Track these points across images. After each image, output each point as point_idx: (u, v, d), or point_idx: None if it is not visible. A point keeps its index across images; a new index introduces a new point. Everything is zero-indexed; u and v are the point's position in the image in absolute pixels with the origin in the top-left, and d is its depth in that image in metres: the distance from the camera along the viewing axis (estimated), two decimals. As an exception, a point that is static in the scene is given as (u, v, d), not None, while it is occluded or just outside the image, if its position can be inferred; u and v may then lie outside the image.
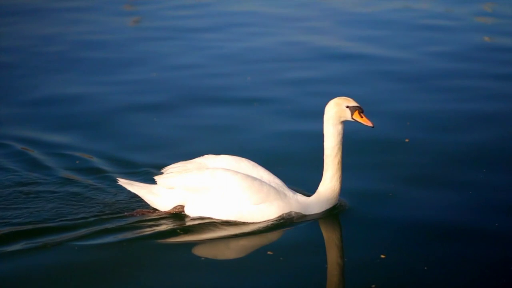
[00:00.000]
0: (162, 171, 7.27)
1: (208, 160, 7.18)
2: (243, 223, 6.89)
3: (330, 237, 6.85)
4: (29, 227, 6.79)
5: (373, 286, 5.91)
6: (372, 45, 13.90)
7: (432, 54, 13.22)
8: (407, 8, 17.55)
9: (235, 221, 6.91)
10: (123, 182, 7.20)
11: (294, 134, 9.34)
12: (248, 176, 6.95)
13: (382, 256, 6.31)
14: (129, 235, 6.72)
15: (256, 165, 7.15)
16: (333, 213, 7.04)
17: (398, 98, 10.69)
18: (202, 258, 6.39)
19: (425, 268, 6.13)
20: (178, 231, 6.82)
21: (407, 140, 8.95)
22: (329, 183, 6.95)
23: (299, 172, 7.98)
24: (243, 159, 7.18)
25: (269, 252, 6.44)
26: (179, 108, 10.46)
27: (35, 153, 8.64)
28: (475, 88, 11.14)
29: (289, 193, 7.04)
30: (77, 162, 8.41)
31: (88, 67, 12.56)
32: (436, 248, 6.47)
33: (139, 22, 16.61)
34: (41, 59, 13.09)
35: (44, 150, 8.75)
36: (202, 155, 7.24)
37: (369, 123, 6.86)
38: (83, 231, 6.75)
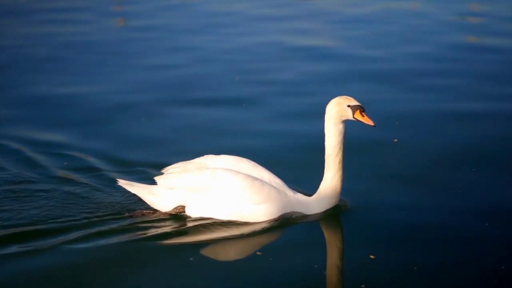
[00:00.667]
0: (162, 171, 7.24)
1: (208, 160, 7.16)
2: (244, 223, 6.88)
3: (330, 237, 6.87)
4: (26, 228, 6.74)
5: (363, 286, 5.91)
6: (356, 45, 13.90)
7: (415, 54, 13.25)
8: (390, 9, 17.58)
9: (236, 221, 6.89)
10: (122, 183, 7.16)
11: (284, 134, 9.34)
12: (248, 176, 6.94)
13: (372, 256, 6.31)
14: (130, 236, 6.69)
15: (257, 165, 7.14)
16: (334, 213, 7.04)
17: (384, 98, 10.68)
18: (204, 259, 6.39)
19: (415, 268, 6.14)
20: (179, 232, 6.79)
21: (395, 140, 8.97)
22: (330, 183, 6.96)
23: (289, 172, 7.93)
24: (243, 159, 7.16)
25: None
26: (167, 108, 10.42)
27: (28, 153, 8.60)
28: (460, 87, 11.20)
29: (290, 193, 7.04)
30: (65, 163, 8.38)
31: (73, 67, 12.50)
32: (426, 249, 6.47)
33: (127, 22, 16.57)
34: (30, 59, 12.99)
35: (36, 150, 8.73)
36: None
37: (370, 122, 6.87)
38: (84, 232, 6.72)
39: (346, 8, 17.75)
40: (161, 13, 17.41)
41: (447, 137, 9.14)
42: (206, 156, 7.23)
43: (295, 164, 8.30)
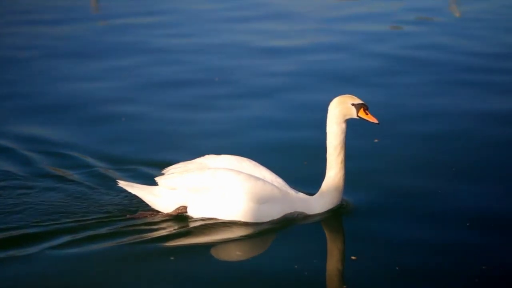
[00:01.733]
0: (163, 172, 7.19)
1: (209, 160, 7.11)
2: (247, 224, 6.84)
3: (331, 237, 6.86)
4: (24, 232, 6.66)
5: (344, 287, 5.90)
6: (324, 47, 13.85)
7: (382, 53, 13.25)
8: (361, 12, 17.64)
9: (239, 221, 6.85)
10: (123, 184, 7.09)
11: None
12: (251, 175, 6.90)
13: (353, 257, 6.30)
14: (132, 238, 6.63)
15: (258, 164, 7.11)
16: (336, 213, 7.03)
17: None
18: (207, 260, 6.35)
19: (397, 268, 6.13)
20: (182, 233, 6.74)
21: (376, 141, 9.00)
22: (332, 182, 6.94)
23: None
24: (245, 158, 7.13)
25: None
26: (146, 106, 10.38)
27: (23, 152, 8.57)
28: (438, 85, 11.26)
29: (292, 192, 7.02)
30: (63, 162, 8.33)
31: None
32: (409, 249, 6.47)
33: (105, 21, 16.52)
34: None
35: (29, 148, 8.72)
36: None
37: (374, 120, 6.86)
38: (85, 235, 6.65)
39: (313, 8, 17.76)
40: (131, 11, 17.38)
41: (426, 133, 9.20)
42: (206, 156, 7.19)
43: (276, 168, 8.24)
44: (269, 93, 10.98)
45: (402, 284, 5.96)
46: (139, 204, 7.16)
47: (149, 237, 6.65)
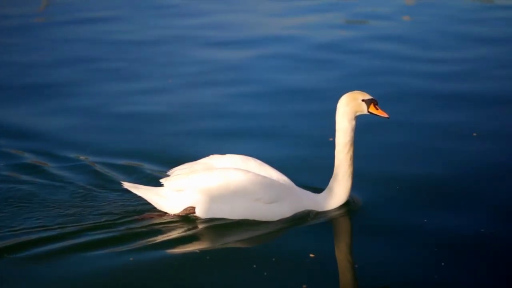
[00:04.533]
0: (168, 173, 7.12)
1: (215, 160, 7.06)
2: (257, 223, 6.80)
3: (341, 234, 6.88)
4: (28, 237, 6.53)
5: (304, 286, 5.88)
6: (284, 44, 13.85)
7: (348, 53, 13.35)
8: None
9: (248, 221, 6.80)
10: (128, 185, 7.00)
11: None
12: (259, 175, 6.86)
13: (311, 255, 6.29)
14: (143, 240, 6.55)
15: (263, 163, 7.07)
16: (345, 211, 7.02)
17: (322, 96, 10.70)
18: (219, 260, 6.29)
19: (356, 266, 6.15)
20: (191, 233, 6.67)
21: (330, 139, 8.97)
22: (341, 179, 6.92)
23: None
24: (250, 158, 7.08)
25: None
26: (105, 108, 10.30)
27: (21, 154, 8.45)
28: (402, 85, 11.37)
29: (299, 190, 7.00)
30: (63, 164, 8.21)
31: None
32: (368, 246, 6.50)
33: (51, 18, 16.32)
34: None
35: (28, 149, 8.62)
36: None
37: (385, 115, 6.84)
38: (92, 238, 6.55)
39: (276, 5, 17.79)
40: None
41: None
42: (211, 156, 7.13)
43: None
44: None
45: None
46: (143, 206, 7.08)
47: (159, 239, 6.58)
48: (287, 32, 14.77)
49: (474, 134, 8.98)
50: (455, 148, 8.66)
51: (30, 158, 8.34)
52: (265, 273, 6.06)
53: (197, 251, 6.40)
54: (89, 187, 7.51)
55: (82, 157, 8.38)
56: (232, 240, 6.60)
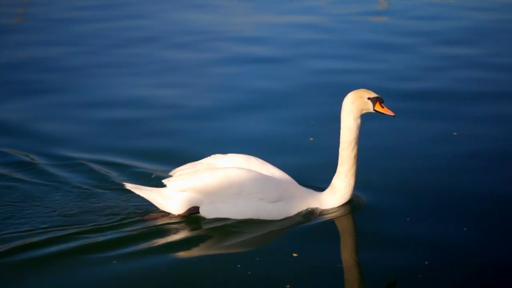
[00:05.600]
0: (170, 173, 7.07)
1: (217, 160, 7.03)
2: (261, 222, 6.78)
3: (345, 232, 6.85)
4: (28, 239, 6.45)
5: (288, 286, 5.88)
6: (259, 46, 13.85)
7: (313, 54, 13.36)
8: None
9: (253, 220, 6.78)
10: (130, 186, 6.95)
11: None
12: (262, 174, 6.85)
13: (294, 254, 6.30)
14: (149, 240, 6.51)
15: (265, 162, 7.06)
16: (349, 208, 7.02)
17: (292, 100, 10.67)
18: (225, 259, 6.28)
19: (338, 265, 6.16)
20: (196, 234, 6.65)
21: (311, 139, 9.04)
22: (345, 177, 6.92)
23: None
24: (252, 157, 7.06)
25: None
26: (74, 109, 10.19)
27: (20, 155, 8.36)
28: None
29: (302, 188, 7.00)
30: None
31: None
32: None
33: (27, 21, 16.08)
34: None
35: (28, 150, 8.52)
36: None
37: (390, 113, 6.86)
38: (99, 239, 6.49)
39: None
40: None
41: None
42: (213, 156, 7.10)
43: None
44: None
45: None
46: (146, 207, 7.03)
47: (165, 239, 6.55)
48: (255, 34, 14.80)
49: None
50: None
51: (26, 156, 8.30)
52: (271, 272, 6.05)
53: (203, 250, 6.40)
54: (90, 188, 7.45)
55: (82, 158, 8.30)
56: (237, 240, 6.57)
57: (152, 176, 7.75)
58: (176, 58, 12.90)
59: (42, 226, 6.65)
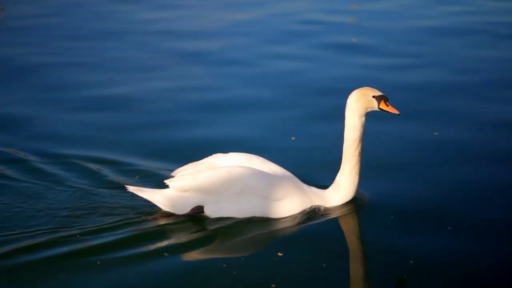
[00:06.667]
0: (172, 174, 7.02)
1: (218, 160, 6.99)
2: (266, 220, 6.76)
3: (350, 231, 6.87)
4: (29, 241, 6.38)
5: (273, 285, 5.89)
6: (232, 48, 13.78)
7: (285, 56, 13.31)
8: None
9: (257, 219, 6.76)
10: (132, 189, 6.89)
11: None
12: (265, 172, 6.84)
13: (279, 254, 6.31)
14: (155, 241, 6.48)
15: (266, 160, 7.04)
16: (353, 206, 7.02)
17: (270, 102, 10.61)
18: (231, 257, 6.28)
19: (324, 265, 6.17)
20: (202, 233, 6.63)
21: (293, 138, 9.03)
22: (349, 175, 6.92)
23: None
24: (253, 155, 7.04)
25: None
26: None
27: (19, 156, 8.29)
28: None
29: (305, 186, 6.99)
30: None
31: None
32: (335, 245, 6.54)
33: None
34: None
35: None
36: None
37: (395, 111, 6.87)
38: (99, 241, 6.44)
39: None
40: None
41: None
42: (214, 156, 7.06)
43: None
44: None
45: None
46: (150, 208, 6.98)
47: (171, 239, 6.53)
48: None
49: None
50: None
51: (28, 157, 8.24)
52: (276, 269, 6.07)
53: (210, 249, 6.41)
54: (92, 189, 7.41)
55: (82, 158, 8.24)
56: (243, 238, 6.56)
57: (137, 177, 7.69)
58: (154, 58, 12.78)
59: (43, 227, 6.59)
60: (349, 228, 6.88)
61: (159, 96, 10.72)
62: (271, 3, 17.94)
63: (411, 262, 6.16)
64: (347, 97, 6.85)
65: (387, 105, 6.85)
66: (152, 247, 6.35)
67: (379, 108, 6.84)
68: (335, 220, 6.88)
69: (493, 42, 13.66)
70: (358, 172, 6.94)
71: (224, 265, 6.10)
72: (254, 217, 6.75)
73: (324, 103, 10.21)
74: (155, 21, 15.80)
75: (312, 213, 6.87)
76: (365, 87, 6.87)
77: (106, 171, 7.84)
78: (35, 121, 9.54)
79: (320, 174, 7.61)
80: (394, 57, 12.70)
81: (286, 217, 6.79)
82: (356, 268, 6.17)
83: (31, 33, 14.54)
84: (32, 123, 9.46)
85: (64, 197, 7.18)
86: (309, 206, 6.90)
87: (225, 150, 7.13)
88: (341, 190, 6.96)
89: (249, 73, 11.91)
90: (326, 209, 6.95)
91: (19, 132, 9.13)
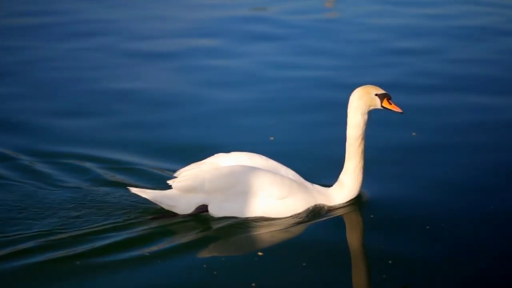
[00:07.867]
0: (175, 174, 6.99)
1: (221, 159, 6.98)
2: (270, 219, 6.74)
3: (354, 229, 6.87)
4: (30, 243, 6.35)
5: (253, 285, 5.88)
6: (207, 54, 13.65)
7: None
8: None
9: (261, 218, 6.75)
10: (135, 190, 6.86)
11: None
12: (268, 171, 6.83)
13: (260, 253, 6.30)
14: (160, 241, 6.47)
15: (268, 159, 7.03)
16: (357, 204, 7.01)
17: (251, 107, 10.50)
18: (235, 256, 6.31)
19: (304, 264, 6.15)
20: (207, 233, 6.61)
21: (272, 138, 9.01)
22: (352, 173, 6.91)
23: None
24: (255, 154, 7.02)
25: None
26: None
27: (22, 160, 8.22)
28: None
29: (309, 185, 6.98)
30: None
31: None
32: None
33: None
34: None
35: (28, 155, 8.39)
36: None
37: (398, 110, 6.85)
38: (101, 242, 6.42)
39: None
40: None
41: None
42: (216, 155, 7.04)
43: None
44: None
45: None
46: (153, 208, 6.97)
47: (175, 239, 6.51)
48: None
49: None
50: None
51: (27, 157, 8.23)
52: (280, 267, 6.07)
53: (215, 249, 6.42)
54: (94, 190, 7.39)
55: (83, 157, 8.23)
56: (248, 237, 6.55)
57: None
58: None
59: (45, 228, 6.57)
60: (351, 228, 6.85)
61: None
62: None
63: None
64: (349, 95, 6.86)
65: (390, 103, 6.83)
66: (154, 248, 6.32)
67: (382, 106, 6.82)
68: (338, 219, 6.86)
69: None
70: (361, 170, 6.92)
71: (237, 263, 6.12)
72: (258, 216, 6.73)
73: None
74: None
75: (316, 212, 6.85)
76: (368, 85, 6.85)
77: (108, 172, 7.82)
78: (34, 121, 9.53)
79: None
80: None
81: (290, 216, 6.78)
82: (357, 269, 6.17)
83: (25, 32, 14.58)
84: (32, 123, 9.46)
85: (66, 198, 7.15)
86: (313, 204, 6.88)
87: (226, 150, 7.13)
88: (345, 188, 6.95)
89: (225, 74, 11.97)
90: (329, 207, 6.94)
91: (19, 132, 9.13)
